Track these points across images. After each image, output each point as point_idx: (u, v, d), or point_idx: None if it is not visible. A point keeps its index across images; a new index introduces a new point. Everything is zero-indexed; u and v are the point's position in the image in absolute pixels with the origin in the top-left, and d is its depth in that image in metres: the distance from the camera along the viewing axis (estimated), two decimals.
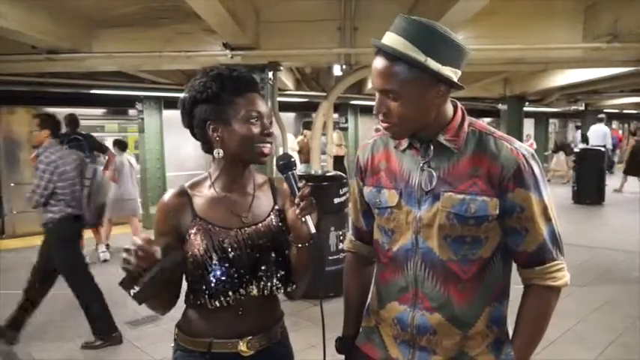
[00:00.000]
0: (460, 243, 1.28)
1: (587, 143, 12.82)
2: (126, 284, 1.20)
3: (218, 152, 1.41)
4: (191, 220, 1.40)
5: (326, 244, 4.76)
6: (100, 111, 9.51)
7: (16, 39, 4.78)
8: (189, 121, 1.45)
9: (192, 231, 1.39)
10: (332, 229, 4.83)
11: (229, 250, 1.38)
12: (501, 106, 11.84)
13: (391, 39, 1.22)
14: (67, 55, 5.48)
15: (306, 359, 1.70)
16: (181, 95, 1.45)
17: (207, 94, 1.38)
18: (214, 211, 1.43)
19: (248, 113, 1.38)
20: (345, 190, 4.93)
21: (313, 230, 1.34)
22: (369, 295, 1.57)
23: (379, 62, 1.24)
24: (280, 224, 1.48)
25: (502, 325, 1.37)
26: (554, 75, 9.50)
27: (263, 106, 1.43)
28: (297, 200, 1.34)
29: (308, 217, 1.34)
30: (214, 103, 1.38)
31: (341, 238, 4.85)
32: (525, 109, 12.10)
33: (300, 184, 1.36)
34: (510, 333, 1.37)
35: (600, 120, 12.73)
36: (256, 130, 1.39)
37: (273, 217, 1.48)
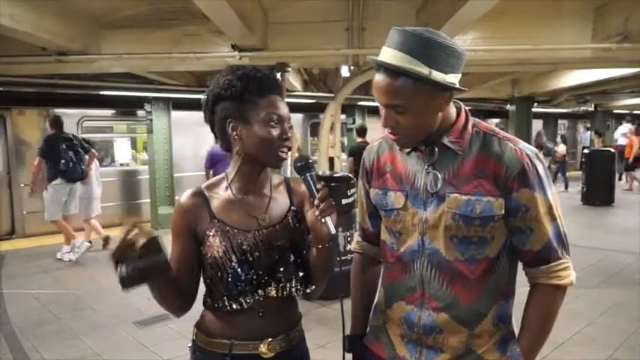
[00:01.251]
0: (467, 243, 1.29)
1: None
2: (120, 256, 1.22)
3: (238, 151, 1.42)
4: (209, 221, 1.40)
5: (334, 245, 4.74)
6: (109, 112, 9.57)
7: (25, 40, 4.83)
8: (210, 118, 1.45)
9: (211, 233, 1.39)
10: (340, 229, 4.81)
11: (248, 251, 1.38)
12: (510, 107, 11.80)
13: (390, 54, 1.21)
14: (77, 56, 5.53)
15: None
16: (203, 94, 1.46)
17: (230, 91, 1.38)
18: (231, 213, 1.42)
19: (269, 115, 1.38)
20: (352, 191, 4.91)
21: (333, 231, 1.34)
22: (377, 295, 1.57)
23: (381, 79, 1.23)
24: (298, 225, 1.48)
25: (508, 322, 1.37)
26: (563, 75, 9.46)
27: (284, 109, 1.42)
28: (316, 202, 1.34)
29: (328, 219, 1.33)
30: (237, 101, 1.38)
31: (349, 239, 4.84)
32: (534, 109, 12.06)
33: (318, 186, 1.36)
34: (516, 332, 1.37)
35: (626, 121, 12.92)
36: (275, 132, 1.38)
37: (290, 217, 1.48)
